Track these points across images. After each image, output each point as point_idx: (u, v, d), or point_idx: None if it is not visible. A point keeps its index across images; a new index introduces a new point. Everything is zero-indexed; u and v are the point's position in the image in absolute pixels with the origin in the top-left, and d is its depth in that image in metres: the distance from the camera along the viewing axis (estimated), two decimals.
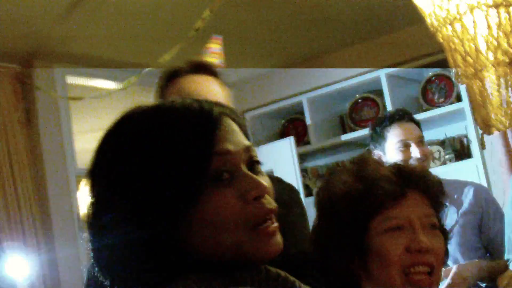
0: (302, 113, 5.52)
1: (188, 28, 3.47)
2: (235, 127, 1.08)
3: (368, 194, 1.54)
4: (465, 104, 4.78)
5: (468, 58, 1.99)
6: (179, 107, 1.06)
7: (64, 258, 4.34)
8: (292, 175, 5.14)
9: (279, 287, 1.08)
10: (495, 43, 1.94)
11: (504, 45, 1.95)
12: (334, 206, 1.59)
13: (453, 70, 2.18)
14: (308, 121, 5.44)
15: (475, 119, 2.35)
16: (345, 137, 5.38)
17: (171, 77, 2.08)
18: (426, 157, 3.11)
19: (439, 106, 5.03)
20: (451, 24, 1.98)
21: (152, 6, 4.01)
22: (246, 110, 5.65)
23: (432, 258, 1.53)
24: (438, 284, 1.55)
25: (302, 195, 5.09)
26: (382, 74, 5.13)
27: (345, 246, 1.55)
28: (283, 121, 5.78)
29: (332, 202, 1.60)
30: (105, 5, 3.91)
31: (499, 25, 1.92)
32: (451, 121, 5.08)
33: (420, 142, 3.10)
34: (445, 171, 4.79)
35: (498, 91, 2.06)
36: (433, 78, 5.12)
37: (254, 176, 1.05)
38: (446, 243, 1.64)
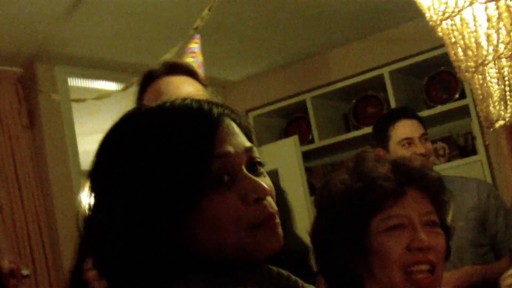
0: (305, 111, 5.51)
1: (187, 27, 3.47)
2: (235, 127, 1.06)
3: (367, 193, 1.53)
4: (469, 100, 4.76)
5: (469, 52, 1.98)
6: (178, 108, 1.05)
7: (70, 259, 4.33)
8: (296, 174, 5.13)
9: (281, 286, 1.07)
10: (495, 36, 1.93)
11: (505, 38, 1.94)
12: (333, 205, 1.57)
13: (455, 64, 2.16)
14: (312, 119, 5.42)
15: (480, 114, 2.33)
16: (349, 135, 5.37)
17: (148, 79, 2.07)
18: (430, 154, 3.11)
19: (443, 103, 5.01)
20: (450, 17, 1.97)
21: (152, 6, 4.01)
22: (249, 109, 5.65)
23: (433, 256, 1.51)
24: (440, 282, 1.53)
25: (307, 194, 5.10)
26: (385, 71, 5.12)
27: (345, 245, 1.54)
28: (286, 120, 5.78)
29: (331, 201, 1.58)
30: (105, 6, 3.91)
31: (499, 18, 1.90)
32: (455, 117, 5.07)
33: (424, 139, 3.09)
34: (450, 167, 4.78)
35: (499, 84, 2.05)
36: (437, 75, 5.11)
37: (255, 178, 1.04)
38: (448, 240, 1.62)
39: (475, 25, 1.96)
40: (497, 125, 2.24)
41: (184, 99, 1.07)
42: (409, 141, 3.06)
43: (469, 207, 3.04)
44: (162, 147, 1.01)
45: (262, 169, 1.08)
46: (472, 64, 2.01)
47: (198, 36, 3.02)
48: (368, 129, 4.64)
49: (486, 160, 4.77)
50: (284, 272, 1.08)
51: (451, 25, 2.00)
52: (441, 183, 1.61)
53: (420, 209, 1.54)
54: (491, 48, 1.94)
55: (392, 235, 1.52)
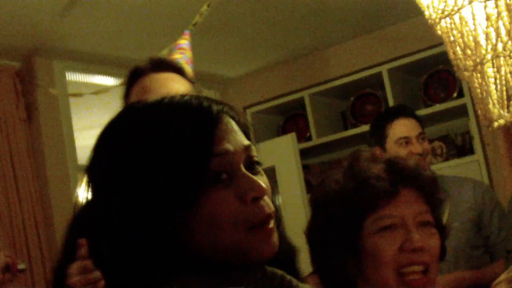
0: (303, 108, 5.51)
1: (186, 23, 3.46)
2: (234, 125, 1.06)
3: (360, 194, 1.52)
4: (467, 99, 4.76)
5: (468, 51, 1.98)
6: (178, 104, 1.04)
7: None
8: (293, 171, 5.13)
9: (275, 285, 1.07)
10: (494, 35, 1.93)
11: (504, 37, 1.93)
12: (327, 205, 1.56)
13: (454, 63, 2.16)
14: (310, 117, 5.42)
15: (478, 114, 2.33)
16: (347, 133, 5.36)
17: (134, 76, 2.06)
18: (427, 154, 3.10)
19: (441, 102, 5.01)
20: (449, 16, 1.97)
21: (151, 2, 4.01)
22: (247, 106, 5.64)
23: (426, 257, 1.50)
24: (434, 282, 1.52)
25: (303, 192, 5.10)
26: (384, 69, 5.11)
27: (338, 246, 1.53)
28: (284, 117, 5.77)
29: (325, 201, 1.57)
30: (104, 1, 3.91)
31: (498, 17, 1.90)
32: (453, 117, 5.06)
33: (421, 138, 3.09)
34: (447, 167, 4.78)
35: (496, 84, 2.04)
36: (435, 73, 5.10)
37: (253, 177, 1.03)
38: (443, 240, 1.61)
39: (474, 23, 1.95)
40: (495, 124, 2.24)
41: (183, 95, 1.06)
42: (406, 140, 3.06)
43: (464, 208, 3.04)
44: (162, 144, 1.00)
45: (259, 168, 1.07)
46: (470, 63, 2.01)
47: (187, 32, 2.99)
48: (366, 127, 4.64)
49: (484, 160, 4.77)
50: (279, 271, 1.08)
51: (450, 23, 2.00)
52: (435, 182, 1.60)
53: (413, 209, 1.52)
54: (490, 47, 1.94)
55: (385, 235, 1.50)
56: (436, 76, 5.12)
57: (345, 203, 1.53)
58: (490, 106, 2.10)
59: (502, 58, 2.00)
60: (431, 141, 4.85)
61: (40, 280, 4.22)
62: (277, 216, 1.08)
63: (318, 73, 5.41)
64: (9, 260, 3.30)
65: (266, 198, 1.04)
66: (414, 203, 1.53)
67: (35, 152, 4.44)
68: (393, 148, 3.06)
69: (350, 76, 5.29)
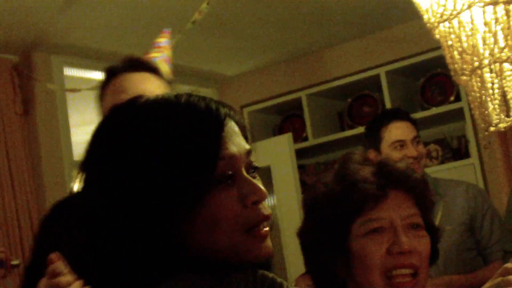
0: (300, 109, 5.51)
1: (185, 21, 3.46)
2: (236, 129, 1.08)
3: (347, 196, 1.51)
4: (464, 103, 4.77)
5: (465, 55, 1.98)
6: (185, 106, 1.05)
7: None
8: (289, 171, 5.13)
9: None
10: (492, 40, 1.93)
11: (501, 42, 1.94)
12: (316, 208, 1.57)
13: (451, 67, 2.16)
14: (307, 117, 5.42)
15: (474, 118, 2.33)
16: (343, 134, 5.37)
17: (109, 76, 2.04)
18: (422, 157, 3.11)
19: (438, 105, 5.02)
20: (448, 20, 1.97)
21: None
22: (244, 105, 5.64)
23: (415, 260, 1.49)
24: (423, 285, 1.51)
25: (299, 192, 5.10)
26: (381, 71, 5.12)
27: (328, 248, 1.53)
28: (281, 117, 5.77)
29: (314, 203, 1.57)
30: None
31: (497, 22, 1.90)
32: (450, 120, 5.07)
33: (416, 141, 3.09)
34: (442, 170, 4.79)
35: (496, 88, 2.05)
36: (433, 76, 5.11)
37: (254, 181, 1.06)
38: (435, 242, 1.61)
39: (472, 28, 1.95)
40: (492, 129, 2.24)
41: (190, 95, 1.07)
42: (401, 144, 3.06)
43: (457, 211, 3.04)
44: (169, 144, 1.01)
45: (256, 174, 1.09)
46: (468, 67, 2.01)
47: (167, 30, 2.92)
48: (362, 129, 4.61)
49: (479, 164, 4.78)
50: (270, 274, 1.09)
51: (449, 27, 2.00)
52: (425, 185, 1.60)
53: (402, 212, 1.52)
54: (487, 52, 1.95)
55: (372, 238, 1.50)
56: (433, 80, 5.13)
57: (333, 206, 1.53)
58: (491, 109, 2.10)
59: (499, 63, 2.01)
60: (427, 144, 4.86)
61: None
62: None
63: (316, 74, 5.41)
64: (3, 256, 3.30)
65: (264, 202, 1.07)
66: (403, 205, 1.53)
67: (31, 146, 4.44)
68: (388, 151, 3.06)
69: (348, 77, 5.28)
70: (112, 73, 2.03)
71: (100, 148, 1.07)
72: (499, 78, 2.04)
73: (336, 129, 5.54)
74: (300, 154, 5.38)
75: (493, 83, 2.10)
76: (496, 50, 1.95)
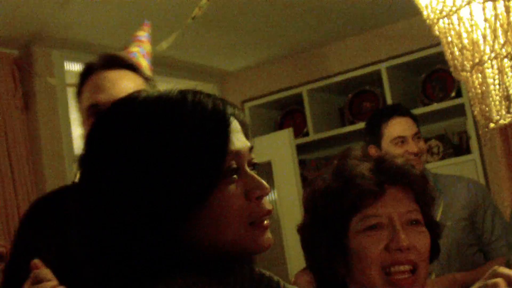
0: (301, 104, 5.50)
1: (185, 16, 3.45)
2: (239, 127, 1.11)
3: (345, 193, 1.51)
4: (465, 99, 4.76)
5: (465, 51, 1.98)
6: (193, 103, 1.07)
7: None
8: (289, 167, 5.13)
9: (262, 287, 1.09)
10: (493, 36, 1.92)
11: (501, 38, 1.93)
12: (315, 204, 1.57)
13: (450, 64, 2.16)
14: (307, 112, 5.42)
15: (474, 114, 2.33)
16: (344, 129, 5.36)
17: (86, 73, 2.02)
18: (423, 153, 3.10)
19: (439, 101, 5.01)
20: (447, 16, 1.96)
21: None
22: (245, 100, 5.64)
23: (414, 256, 1.49)
24: (423, 281, 1.51)
25: (299, 187, 5.11)
26: (383, 67, 5.11)
27: (327, 245, 1.53)
28: (282, 112, 5.77)
29: (313, 200, 1.57)
30: None
31: (497, 18, 1.90)
32: (451, 116, 5.06)
33: (417, 137, 3.09)
34: (443, 166, 4.79)
35: (497, 84, 2.04)
36: (434, 72, 5.10)
37: (257, 176, 1.10)
38: (436, 238, 1.60)
39: (472, 24, 1.95)
40: (492, 125, 2.24)
41: (195, 92, 1.10)
42: (402, 140, 3.06)
43: (458, 206, 3.04)
44: (180, 141, 1.04)
45: (255, 170, 1.13)
46: (468, 63, 2.01)
47: (148, 23, 2.81)
48: (363, 124, 4.61)
49: (480, 160, 4.78)
50: (267, 272, 1.11)
51: (448, 24, 2.00)
52: (425, 180, 1.59)
53: (401, 208, 1.51)
54: (487, 48, 1.94)
55: (370, 235, 1.50)
56: (434, 75, 5.12)
57: (331, 202, 1.52)
58: (488, 106, 2.10)
59: (499, 59, 2.00)
60: (428, 139, 4.86)
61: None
62: None
63: (317, 69, 5.41)
64: (2, 250, 3.30)
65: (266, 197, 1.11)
66: (401, 201, 1.52)
67: (31, 141, 4.43)
68: (388, 147, 3.06)
69: (349, 73, 5.28)
70: (89, 71, 2.01)
71: (104, 143, 1.08)
72: (499, 74, 2.04)
73: (337, 124, 5.54)
74: (300, 149, 5.38)
75: (494, 79, 2.10)
76: (496, 46, 1.94)
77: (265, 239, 1.09)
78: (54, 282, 1.73)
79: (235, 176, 1.07)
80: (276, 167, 5.16)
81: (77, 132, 4.67)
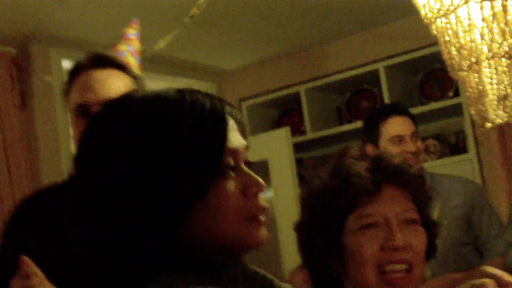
0: (299, 103, 5.51)
1: (183, 15, 3.45)
2: (235, 125, 1.13)
3: (341, 192, 1.51)
4: (462, 99, 4.77)
5: (463, 51, 1.98)
6: (191, 102, 1.09)
7: None
8: (286, 165, 5.13)
9: (256, 286, 1.11)
10: (490, 35, 1.93)
11: (499, 37, 1.94)
12: (311, 202, 1.57)
13: (447, 63, 2.16)
14: (305, 111, 5.42)
15: (471, 113, 2.33)
16: (341, 128, 5.37)
17: (73, 73, 2.01)
18: (421, 152, 3.11)
19: (436, 100, 5.02)
20: (445, 16, 1.97)
21: None
22: (243, 98, 5.64)
23: (409, 255, 1.49)
24: (418, 281, 1.51)
25: (296, 186, 5.11)
26: (380, 66, 5.11)
27: (322, 243, 1.53)
28: (279, 111, 5.77)
29: (310, 198, 1.58)
30: None
31: (494, 18, 1.90)
32: (448, 115, 5.07)
33: (414, 136, 3.09)
34: (440, 165, 4.79)
35: (494, 84, 2.05)
36: (432, 72, 5.10)
37: (254, 174, 1.12)
38: (433, 238, 1.61)
39: (469, 24, 1.95)
40: (488, 125, 2.24)
41: (193, 91, 1.11)
42: (400, 139, 3.06)
43: (454, 206, 3.05)
44: (181, 139, 1.05)
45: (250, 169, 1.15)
46: (465, 62, 2.01)
47: (136, 20, 2.76)
48: (360, 123, 4.62)
49: (477, 159, 4.78)
50: (260, 271, 1.12)
51: (446, 23, 2.00)
52: (422, 179, 1.59)
53: (397, 207, 1.51)
54: (484, 47, 1.94)
55: (366, 234, 1.50)
56: (432, 75, 5.12)
57: (327, 200, 1.53)
58: (485, 106, 2.10)
59: (496, 59, 2.00)
60: (425, 139, 4.86)
61: None
62: None
63: (315, 68, 5.41)
64: None
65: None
66: (398, 201, 1.52)
67: (28, 139, 4.43)
68: (386, 146, 3.06)
69: (347, 72, 5.28)
70: (77, 70, 2.01)
71: (102, 142, 1.08)
72: (496, 73, 2.04)
73: (335, 123, 5.54)
74: (298, 148, 5.38)
75: (492, 79, 2.10)
76: (493, 46, 1.95)
77: (261, 235, 1.11)
78: (42, 278, 1.74)
79: (232, 173, 1.09)
80: (273, 165, 5.16)
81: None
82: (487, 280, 1.30)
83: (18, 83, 4.41)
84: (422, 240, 1.53)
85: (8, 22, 4.16)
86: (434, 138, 5.08)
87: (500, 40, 1.94)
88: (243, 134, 1.15)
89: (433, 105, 4.97)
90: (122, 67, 2.03)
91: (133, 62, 2.31)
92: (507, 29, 1.93)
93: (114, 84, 1.95)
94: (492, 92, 2.12)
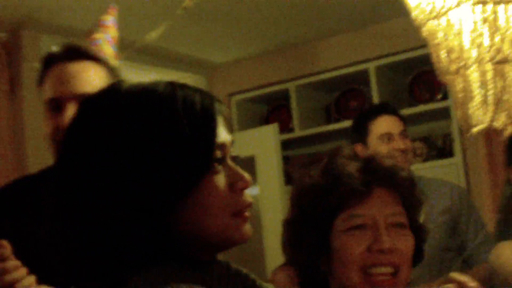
0: (287, 100, 5.51)
1: (176, 7, 3.44)
2: (222, 120, 1.14)
3: (331, 191, 1.51)
4: (450, 102, 4.77)
5: (452, 54, 1.98)
6: (183, 98, 1.09)
7: None
8: (273, 162, 5.13)
9: (238, 284, 1.12)
10: (479, 40, 1.93)
11: (488, 42, 1.94)
12: (301, 200, 1.57)
13: (436, 66, 2.16)
14: (294, 108, 5.42)
15: (457, 118, 2.34)
16: (329, 127, 5.37)
17: (48, 63, 1.98)
18: (409, 151, 3.11)
19: (425, 103, 5.03)
20: (436, 18, 1.97)
21: None
22: (232, 93, 5.63)
23: (396, 259, 1.49)
24: (404, 284, 1.51)
25: (282, 183, 5.11)
26: (371, 66, 5.12)
27: (310, 242, 1.53)
28: (268, 107, 5.77)
29: (300, 196, 1.57)
30: None
31: (484, 22, 1.91)
32: (436, 118, 5.08)
33: (403, 135, 3.09)
34: (426, 167, 4.80)
35: (480, 89, 2.05)
36: (422, 74, 5.11)
37: (240, 169, 1.13)
38: (421, 242, 1.61)
39: (459, 27, 1.96)
40: (475, 129, 2.25)
41: (182, 86, 1.11)
42: (388, 137, 3.06)
43: (440, 210, 3.04)
44: (173, 135, 1.06)
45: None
46: (454, 66, 2.01)
47: (114, 6, 2.65)
48: (348, 122, 4.62)
49: (462, 163, 4.80)
50: (244, 270, 1.13)
51: (436, 25, 2.01)
52: (412, 183, 1.59)
53: (386, 210, 1.51)
54: (473, 52, 1.95)
55: (354, 234, 1.50)
56: (422, 77, 5.13)
57: (317, 199, 1.53)
58: (471, 111, 2.11)
59: (483, 63, 2.01)
60: (412, 141, 4.86)
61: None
62: None
63: (305, 66, 5.41)
64: None
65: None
66: (387, 203, 1.52)
67: (15, 125, 4.41)
68: (375, 144, 3.06)
69: (337, 70, 5.28)
70: (50, 61, 1.97)
71: (89, 134, 1.08)
72: (483, 78, 2.05)
73: (323, 121, 5.54)
74: (285, 145, 5.38)
75: (478, 83, 2.10)
76: (482, 50, 1.95)
77: (246, 230, 1.12)
78: (17, 262, 1.72)
79: (220, 167, 1.10)
80: (259, 162, 5.16)
81: None
82: (451, 286, 1.32)
83: (7, 69, 4.39)
84: (410, 244, 1.53)
85: (0, 7, 4.14)
86: (421, 140, 5.09)
87: (489, 45, 1.95)
88: (228, 128, 1.15)
89: (422, 108, 4.98)
90: (96, 58, 1.99)
91: (108, 51, 2.26)
92: (496, 33, 1.93)
93: (88, 77, 1.92)
94: (478, 97, 2.13)
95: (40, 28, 4.48)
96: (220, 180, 1.09)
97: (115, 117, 1.07)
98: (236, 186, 1.11)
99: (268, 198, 5.07)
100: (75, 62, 1.94)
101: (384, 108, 3.20)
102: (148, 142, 1.04)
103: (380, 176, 1.54)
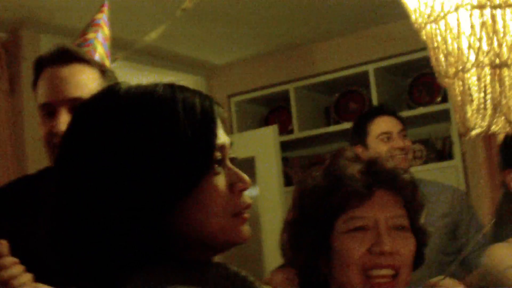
0: (287, 101, 5.51)
1: (175, 7, 3.44)
2: (220, 122, 1.14)
3: (332, 193, 1.51)
4: (450, 105, 4.77)
5: (450, 58, 1.98)
6: (183, 100, 1.09)
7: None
8: (272, 163, 5.13)
9: (237, 286, 1.12)
10: (477, 44, 1.94)
11: (486, 46, 1.94)
12: (303, 201, 1.57)
13: (435, 69, 2.16)
14: (293, 110, 5.42)
15: (456, 121, 2.34)
16: (329, 129, 5.37)
17: (39, 66, 1.96)
18: (408, 150, 3.12)
19: (424, 105, 5.03)
20: (435, 21, 1.97)
21: None
22: (231, 95, 5.63)
23: (396, 261, 1.49)
24: (403, 287, 1.51)
25: (281, 184, 5.11)
26: (370, 68, 5.12)
27: (311, 243, 1.53)
28: (268, 108, 5.77)
29: (301, 197, 1.58)
30: None
31: (482, 26, 1.91)
32: (436, 121, 5.08)
33: (403, 135, 3.10)
34: (425, 170, 4.80)
35: (478, 92, 2.05)
36: (421, 76, 5.11)
37: (239, 170, 1.14)
38: (422, 245, 1.61)
39: (458, 31, 1.96)
40: (473, 133, 2.25)
41: (182, 88, 1.12)
42: (388, 136, 3.07)
43: (440, 214, 3.04)
44: (174, 137, 1.06)
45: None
46: (452, 69, 2.01)
47: (106, 3, 2.60)
48: (348, 124, 4.64)
49: (462, 166, 4.80)
50: (242, 271, 1.13)
51: (435, 29, 2.01)
52: (414, 186, 1.59)
53: (387, 212, 1.51)
54: (472, 56, 1.95)
55: (354, 236, 1.50)
56: (421, 79, 5.13)
57: (318, 201, 1.53)
58: (469, 114, 2.11)
59: (481, 67, 2.01)
60: (412, 143, 4.87)
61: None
62: None
63: (305, 67, 5.41)
64: None
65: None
66: (388, 206, 1.52)
67: (15, 125, 4.41)
68: (374, 144, 3.06)
69: (337, 72, 5.29)
70: (42, 65, 1.95)
71: (89, 135, 1.08)
72: (481, 82, 2.05)
73: (322, 123, 5.55)
74: (284, 146, 5.38)
75: (479, 87, 2.10)
76: (480, 54, 1.95)
77: (245, 231, 1.12)
78: (14, 259, 1.72)
79: (220, 169, 1.10)
80: (259, 163, 5.16)
81: None
82: None
83: (7, 68, 4.39)
84: (411, 247, 1.53)
85: (0, 6, 4.14)
86: (421, 143, 5.09)
87: (487, 49, 1.95)
88: (227, 130, 1.16)
89: (421, 110, 4.98)
90: (87, 61, 1.96)
91: (101, 51, 2.24)
92: (494, 38, 1.93)
93: (79, 81, 1.89)
94: (476, 101, 2.13)
95: (40, 28, 4.49)
96: (220, 181, 1.10)
97: (116, 118, 1.07)
98: (235, 187, 1.12)
99: (268, 199, 5.07)
100: (66, 65, 1.91)
101: (383, 109, 3.22)
102: (148, 143, 1.05)
103: (382, 178, 1.54)
